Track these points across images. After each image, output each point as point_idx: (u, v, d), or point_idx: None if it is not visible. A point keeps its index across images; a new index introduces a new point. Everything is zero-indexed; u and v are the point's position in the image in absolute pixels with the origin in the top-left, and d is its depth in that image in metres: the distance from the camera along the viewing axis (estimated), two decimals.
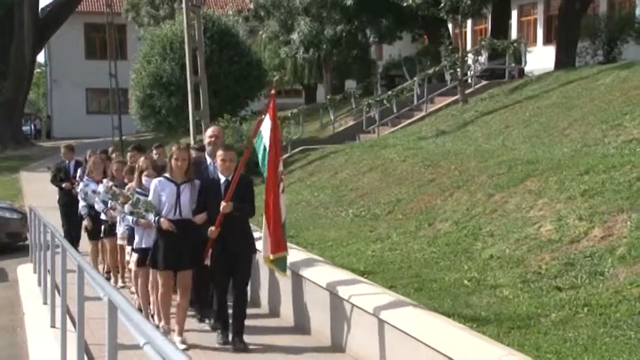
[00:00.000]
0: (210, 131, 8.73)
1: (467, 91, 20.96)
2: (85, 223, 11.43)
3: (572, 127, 13.39)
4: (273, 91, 7.77)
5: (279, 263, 7.66)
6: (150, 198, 7.63)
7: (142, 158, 8.91)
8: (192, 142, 15.55)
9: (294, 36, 28.30)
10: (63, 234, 11.95)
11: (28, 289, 11.25)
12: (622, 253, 7.30)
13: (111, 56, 31.77)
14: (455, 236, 9.70)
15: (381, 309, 6.56)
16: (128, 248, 8.90)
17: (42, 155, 35.20)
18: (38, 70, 55.07)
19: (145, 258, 7.91)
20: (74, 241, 12.34)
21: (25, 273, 12.64)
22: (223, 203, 7.32)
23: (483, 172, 11.59)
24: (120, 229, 9.67)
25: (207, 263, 7.54)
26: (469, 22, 32.53)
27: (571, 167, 10.09)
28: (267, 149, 7.45)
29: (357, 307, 6.93)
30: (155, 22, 35.03)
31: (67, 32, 43.04)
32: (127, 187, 8.96)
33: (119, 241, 9.89)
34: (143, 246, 8.11)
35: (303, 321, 8.25)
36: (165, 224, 7.43)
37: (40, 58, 49.60)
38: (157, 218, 7.48)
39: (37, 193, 21.95)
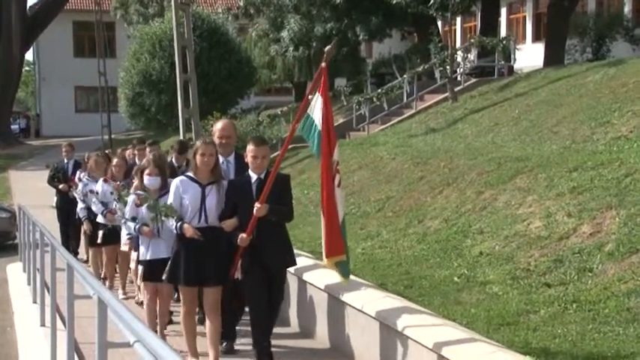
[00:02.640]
0: (220, 126, 7.26)
1: (456, 89, 20.99)
2: (84, 227, 10.79)
3: (561, 124, 13.43)
4: (324, 64, 6.47)
5: (342, 267, 6.50)
6: (170, 201, 6.54)
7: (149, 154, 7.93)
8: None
9: (284, 34, 28.25)
10: (60, 241, 11.77)
11: (18, 288, 11.21)
12: (610, 250, 7.34)
13: (100, 54, 31.66)
14: (444, 233, 9.72)
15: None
16: (133, 255, 7.91)
17: (31, 154, 35.08)
18: (27, 68, 54.81)
19: (152, 271, 7.01)
20: (73, 248, 12.12)
21: (14, 272, 12.60)
22: (257, 205, 6.19)
23: (473, 170, 11.62)
24: (124, 233, 8.74)
25: (238, 277, 6.44)
26: (458, 19, 32.60)
27: (560, 164, 10.13)
28: (323, 135, 6.29)
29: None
30: (144, 20, 34.93)
31: (55, 30, 42.88)
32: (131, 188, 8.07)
33: (122, 247, 8.96)
34: (149, 258, 7.14)
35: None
36: (189, 231, 6.32)
37: (29, 56, 49.44)
38: (179, 224, 6.38)
39: (26, 191, 21.87)
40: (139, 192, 7.29)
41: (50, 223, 12.31)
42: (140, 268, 7.40)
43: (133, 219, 7.24)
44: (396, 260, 9.13)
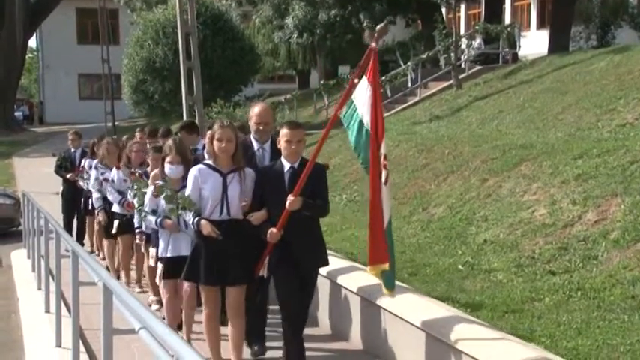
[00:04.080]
0: (257, 111, 6.45)
1: (461, 76, 20.94)
2: (99, 217, 10.14)
3: (565, 111, 13.39)
4: (373, 44, 5.72)
5: (386, 277, 5.76)
6: (188, 192, 5.91)
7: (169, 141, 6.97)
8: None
9: (289, 20, 28.18)
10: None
11: (23, 275, 11.23)
12: (615, 237, 7.33)
13: (103, 41, 31.62)
14: (449, 221, 9.71)
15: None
16: (152, 251, 7.21)
17: (35, 141, 35.10)
18: (30, 55, 54.78)
19: (172, 269, 6.41)
20: (77, 238, 11.77)
21: (19, 258, 12.62)
22: (290, 197, 5.59)
23: (477, 157, 11.59)
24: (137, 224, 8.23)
25: (264, 274, 5.94)
26: (463, 6, 32.44)
27: (565, 152, 10.10)
28: (367, 126, 5.61)
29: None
30: (148, 6, 34.86)
31: (58, 17, 42.80)
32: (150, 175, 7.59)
33: (137, 240, 8.45)
34: (169, 254, 6.55)
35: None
36: (207, 228, 5.72)
37: (32, 43, 49.35)
38: (195, 220, 5.79)
39: (30, 178, 21.89)
40: (158, 182, 6.67)
41: (54, 210, 12.33)
42: (159, 265, 6.70)
43: (154, 212, 6.62)
44: (400, 248, 9.12)
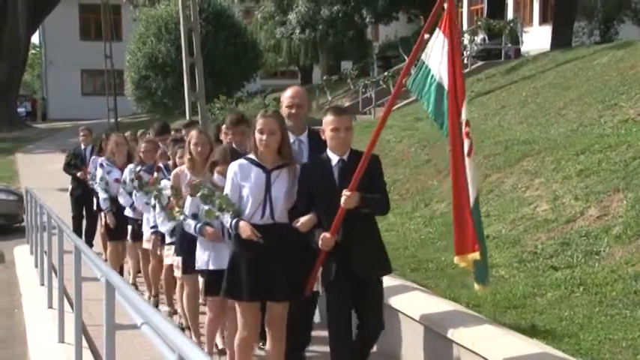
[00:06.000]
0: (289, 93, 5.61)
1: (463, 72, 20.91)
2: (108, 220, 9.30)
3: (568, 107, 13.37)
4: None
5: (477, 269, 5.02)
6: (226, 191, 5.13)
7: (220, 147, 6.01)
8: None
9: (291, 16, 28.20)
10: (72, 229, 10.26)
11: (25, 271, 11.25)
12: (618, 233, 7.32)
13: (106, 37, 31.60)
14: (451, 217, 9.68)
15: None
16: (177, 259, 6.53)
17: (37, 137, 35.12)
18: (33, 51, 54.78)
19: (216, 284, 5.34)
20: (87, 239, 11.23)
21: (21, 254, 12.64)
22: (346, 193, 4.78)
23: (479, 153, 11.58)
24: (146, 230, 7.81)
25: (319, 290, 5.10)
26: (465, 2, 32.41)
27: (567, 147, 10.09)
28: (446, 88, 4.78)
29: None
30: (150, 2, 34.85)
31: (61, 13, 42.83)
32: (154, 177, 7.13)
33: (144, 245, 7.99)
34: (211, 267, 5.68)
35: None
36: (246, 231, 4.90)
37: (35, 39, 49.37)
38: (234, 222, 4.98)
39: (33, 174, 21.91)
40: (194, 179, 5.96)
41: (57, 206, 12.34)
42: (201, 280, 5.98)
43: (194, 216, 5.82)
44: (403, 243, 9.13)
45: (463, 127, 4.77)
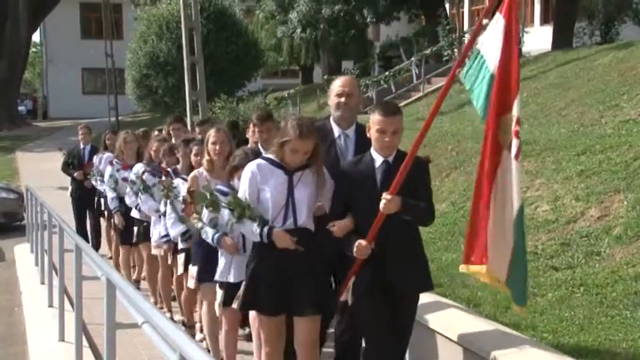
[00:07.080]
0: (340, 82, 5.21)
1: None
2: (116, 220, 9.00)
3: (569, 107, 13.37)
4: None
5: (514, 288, 4.43)
6: (242, 195, 4.65)
7: (241, 149, 5.55)
8: (188, 124, 13.82)
9: (292, 15, 28.19)
10: (76, 231, 9.99)
11: (26, 269, 11.25)
12: (618, 233, 7.32)
13: (107, 36, 31.57)
14: (452, 217, 9.71)
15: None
16: (192, 269, 6.28)
17: (38, 136, 35.12)
18: (34, 49, 54.73)
19: (233, 296, 4.99)
20: (92, 245, 10.64)
21: (22, 253, 12.64)
22: (386, 196, 4.37)
23: (478, 154, 11.58)
24: (155, 233, 7.49)
25: (348, 300, 4.66)
26: (466, 2, 32.40)
27: (568, 148, 10.09)
28: (494, 70, 4.24)
29: None
30: (151, 1, 34.85)
31: (62, 11, 42.78)
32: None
33: (154, 251, 7.64)
34: (232, 280, 5.30)
35: None
36: (284, 240, 4.47)
37: (36, 37, 49.34)
38: (265, 231, 4.50)
39: (33, 173, 21.90)
40: (221, 187, 5.32)
41: (58, 205, 12.35)
42: (219, 292, 5.54)
43: (214, 224, 5.36)
44: None
45: (513, 124, 4.20)
